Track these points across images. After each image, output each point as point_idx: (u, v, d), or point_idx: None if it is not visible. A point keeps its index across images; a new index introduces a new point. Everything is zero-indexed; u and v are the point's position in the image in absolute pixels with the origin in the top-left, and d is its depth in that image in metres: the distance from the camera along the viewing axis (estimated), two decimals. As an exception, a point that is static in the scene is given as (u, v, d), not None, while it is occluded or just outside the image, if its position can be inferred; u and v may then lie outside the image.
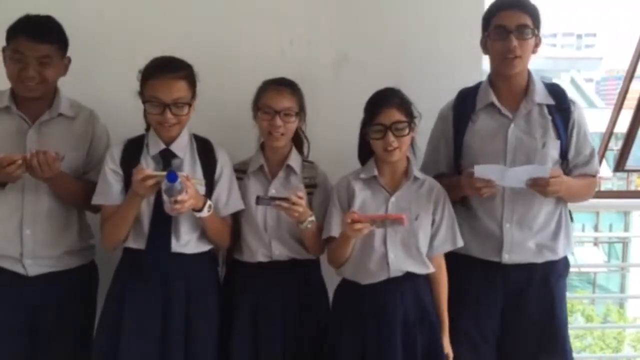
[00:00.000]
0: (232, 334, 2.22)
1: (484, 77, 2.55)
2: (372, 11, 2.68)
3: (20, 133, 2.16)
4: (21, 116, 2.18)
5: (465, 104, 2.30)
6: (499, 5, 2.21)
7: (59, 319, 2.21)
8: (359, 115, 2.18)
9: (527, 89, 2.25)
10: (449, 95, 2.41)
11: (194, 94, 2.13)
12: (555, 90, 2.28)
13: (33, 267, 2.17)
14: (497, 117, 2.25)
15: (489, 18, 2.23)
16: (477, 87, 2.33)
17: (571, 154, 2.25)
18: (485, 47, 2.26)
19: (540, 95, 2.25)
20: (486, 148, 2.23)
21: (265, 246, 2.23)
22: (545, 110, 2.24)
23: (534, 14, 2.19)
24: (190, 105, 2.11)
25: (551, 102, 2.25)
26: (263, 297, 2.23)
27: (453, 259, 2.26)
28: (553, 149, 2.21)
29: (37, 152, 2.01)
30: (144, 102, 2.10)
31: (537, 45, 2.22)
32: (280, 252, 2.24)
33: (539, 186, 2.08)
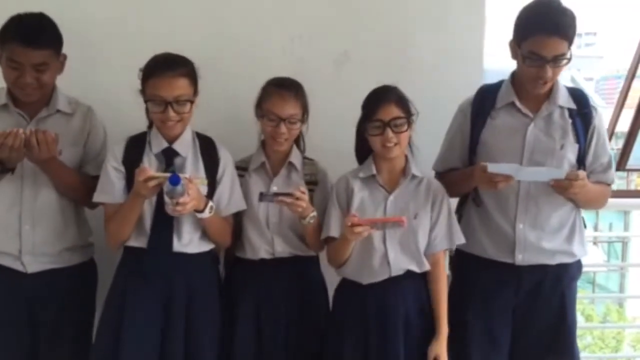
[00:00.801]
0: (235, 332, 2.22)
1: (485, 76, 2.55)
2: (373, 9, 2.68)
3: None
4: (19, 113, 2.17)
5: (485, 101, 2.27)
6: (539, 27, 2.04)
7: (58, 317, 2.21)
8: (360, 112, 2.17)
9: (550, 91, 2.20)
10: (451, 94, 2.41)
11: (195, 91, 2.12)
12: (577, 95, 2.24)
13: (32, 264, 2.16)
14: (517, 115, 2.22)
15: (524, 33, 2.09)
16: (499, 84, 2.29)
17: (589, 159, 2.22)
18: (515, 51, 2.16)
19: (563, 98, 2.21)
20: (503, 145, 2.20)
21: (267, 243, 2.23)
22: (567, 114, 2.21)
23: (572, 37, 2.07)
24: (192, 102, 2.10)
25: (573, 106, 2.22)
26: (265, 294, 2.23)
27: (466, 259, 2.26)
28: (571, 152, 2.19)
29: (37, 131, 2.00)
30: (145, 100, 2.08)
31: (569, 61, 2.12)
32: (282, 248, 2.24)
33: (560, 187, 2.05)
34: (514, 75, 2.26)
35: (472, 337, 2.25)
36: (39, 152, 2.01)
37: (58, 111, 2.22)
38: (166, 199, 1.96)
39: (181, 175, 1.93)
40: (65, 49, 2.18)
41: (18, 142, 1.97)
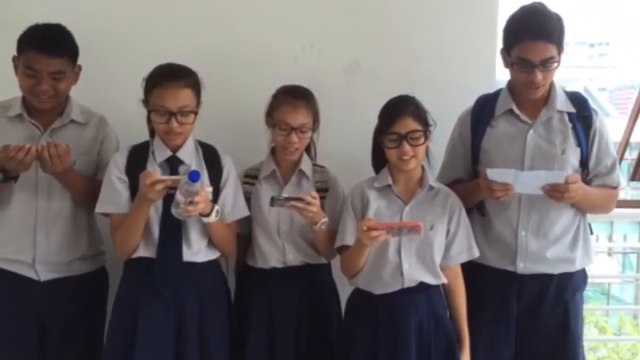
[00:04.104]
0: (247, 342, 2.20)
1: (497, 85, 2.52)
2: (384, 18, 2.67)
3: (32, 140, 2.14)
4: (33, 123, 2.18)
5: (484, 110, 2.27)
6: (524, 32, 2.05)
7: (69, 325, 2.21)
8: (371, 121, 2.17)
9: (548, 96, 2.20)
10: (462, 103, 2.39)
11: (199, 102, 2.11)
12: (576, 98, 2.23)
13: (45, 273, 2.17)
14: (517, 122, 2.22)
15: (511, 41, 2.10)
16: (497, 93, 2.29)
17: (592, 163, 2.20)
18: (505, 59, 2.17)
19: (561, 102, 2.20)
20: (504, 153, 2.19)
21: (279, 251, 2.22)
22: (566, 118, 2.20)
23: (559, 39, 2.06)
24: (195, 113, 2.09)
25: (572, 109, 2.20)
26: (277, 303, 2.22)
27: (468, 267, 2.22)
28: (573, 157, 2.17)
29: (49, 144, 2.01)
30: (149, 110, 2.08)
31: (560, 58, 2.10)
32: (293, 256, 2.23)
33: (557, 192, 2.03)
34: (510, 83, 2.25)
35: (475, 345, 2.22)
36: (52, 166, 2.01)
37: (72, 121, 2.23)
38: (179, 198, 1.93)
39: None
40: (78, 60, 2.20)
41: (29, 158, 1.98)
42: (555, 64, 2.09)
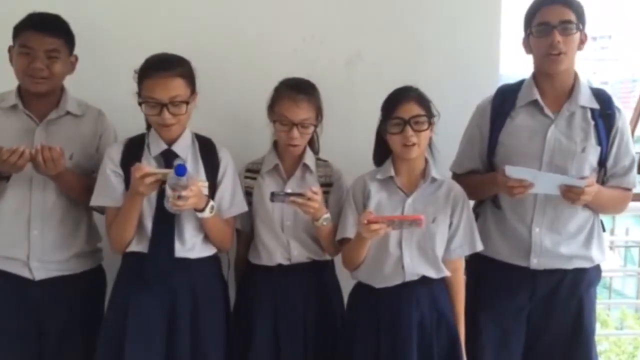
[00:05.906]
0: (253, 341, 2.16)
1: (501, 78, 2.50)
2: (386, 9, 2.65)
3: (28, 131, 2.13)
4: (28, 115, 2.15)
5: (505, 100, 2.23)
6: (541, 1, 2.13)
7: (66, 324, 2.18)
8: (372, 113, 2.14)
9: (572, 90, 2.17)
10: (465, 95, 2.39)
11: (192, 92, 2.07)
12: (600, 95, 2.19)
13: (40, 271, 2.13)
14: (538, 116, 2.18)
15: (531, 16, 2.15)
16: (519, 83, 2.26)
17: (610, 162, 2.17)
18: (528, 46, 2.18)
19: (585, 98, 2.17)
20: (523, 147, 2.16)
21: (283, 247, 2.19)
22: (589, 115, 2.16)
23: (577, 10, 2.11)
24: (188, 103, 2.04)
25: (595, 106, 2.16)
26: (283, 302, 2.18)
27: (479, 261, 2.22)
28: (592, 155, 2.14)
29: (43, 148, 1.98)
30: (141, 103, 2.04)
31: (582, 42, 2.13)
32: (299, 252, 2.20)
33: (572, 194, 2.00)
34: (534, 74, 2.22)
35: (485, 339, 2.22)
36: (45, 169, 1.99)
37: (68, 113, 2.20)
38: (168, 192, 1.90)
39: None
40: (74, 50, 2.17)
41: (22, 161, 1.96)
42: (575, 30, 2.08)
